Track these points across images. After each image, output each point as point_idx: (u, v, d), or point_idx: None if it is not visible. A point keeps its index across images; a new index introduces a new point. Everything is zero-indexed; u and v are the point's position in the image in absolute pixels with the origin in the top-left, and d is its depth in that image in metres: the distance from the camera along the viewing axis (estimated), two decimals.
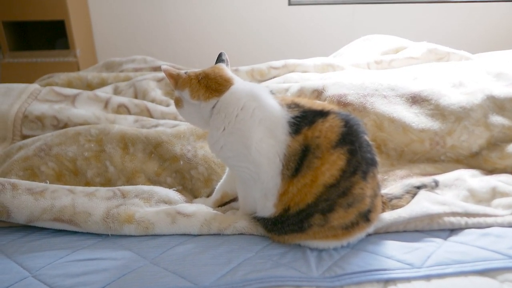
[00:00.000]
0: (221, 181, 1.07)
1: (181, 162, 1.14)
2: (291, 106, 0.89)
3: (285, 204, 0.86)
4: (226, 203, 1.09)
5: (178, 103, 0.96)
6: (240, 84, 0.93)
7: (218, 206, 1.07)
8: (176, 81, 0.95)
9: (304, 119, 0.86)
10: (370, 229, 0.89)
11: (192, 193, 1.13)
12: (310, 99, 1.10)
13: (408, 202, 0.99)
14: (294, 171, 0.84)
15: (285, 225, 0.87)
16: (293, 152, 0.84)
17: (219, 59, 1.02)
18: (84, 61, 2.83)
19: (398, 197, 1.00)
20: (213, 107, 0.90)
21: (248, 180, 0.90)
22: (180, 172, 1.14)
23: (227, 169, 1.06)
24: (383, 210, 0.94)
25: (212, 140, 0.91)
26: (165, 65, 0.93)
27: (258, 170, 0.87)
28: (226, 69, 0.96)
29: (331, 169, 0.82)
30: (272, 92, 0.94)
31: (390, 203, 0.98)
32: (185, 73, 0.95)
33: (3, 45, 2.70)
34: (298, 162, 0.83)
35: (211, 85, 0.92)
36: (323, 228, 0.84)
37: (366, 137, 0.87)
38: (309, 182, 0.83)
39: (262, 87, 0.95)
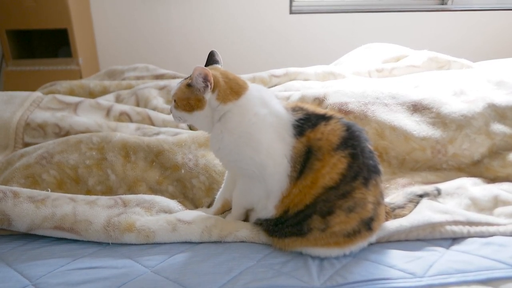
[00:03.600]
0: (221, 189, 1.07)
1: (182, 171, 1.14)
2: (296, 109, 0.91)
3: (286, 206, 0.86)
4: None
5: (200, 105, 0.90)
6: (252, 88, 0.93)
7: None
8: (215, 85, 0.90)
9: (308, 121, 0.87)
10: (372, 238, 0.89)
11: (193, 203, 1.13)
12: (313, 105, 1.11)
13: (411, 211, 0.99)
14: (299, 173, 0.85)
15: (285, 226, 0.87)
16: (299, 154, 0.85)
17: (213, 59, 1.00)
18: (87, 69, 2.84)
19: (400, 207, 1.00)
20: (228, 110, 0.90)
21: (253, 179, 0.90)
22: (181, 181, 1.14)
23: (225, 177, 1.06)
24: (386, 220, 0.94)
25: (221, 144, 0.91)
26: (203, 67, 0.88)
27: (264, 173, 0.88)
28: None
29: (331, 172, 0.82)
30: (276, 97, 0.95)
31: (393, 212, 0.98)
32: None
33: (6, 53, 2.71)
34: (302, 164, 0.85)
35: (233, 87, 0.91)
36: (325, 234, 0.84)
37: (369, 145, 0.88)
38: (309, 183, 0.84)
39: (269, 91, 0.96)
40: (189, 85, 0.90)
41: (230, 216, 1.00)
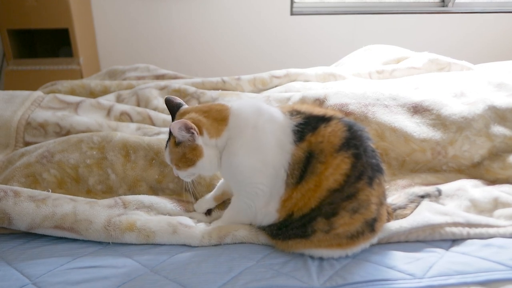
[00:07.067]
0: (221, 180, 1.07)
1: None
2: (293, 113, 0.89)
3: (289, 209, 0.86)
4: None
5: (199, 153, 0.87)
6: (235, 105, 0.92)
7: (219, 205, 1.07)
8: (198, 127, 0.87)
9: (308, 125, 0.86)
10: (374, 239, 0.89)
11: (194, 197, 1.13)
12: (310, 105, 1.11)
13: (412, 211, 0.99)
14: (298, 178, 0.84)
15: (289, 228, 0.87)
16: (297, 160, 0.84)
17: (175, 104, 0.96)
18: (87, 69, 2.84)
19: (402, 207, 1.00)
20: (228, 138, 0.88)
21: (257, 194, 0.89)
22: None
23: None
24: (388, 220, 0.94)
25: (231, 168, 0.89)
26: (179, 120, 0.85)
27: (270, 182, 0.87)
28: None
29: (335, 174, 0.81)
30: (269, 102, 0.94)
31: (394, 213, 0.98)
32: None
33: (7, 52, 2.72)
34: (302, 169, 0.83)
35: (216, 116, 0.89)
36: (328, 236, 0.84)
37: (371, 144, 0.87)
38: (312, 187, 0.83)
39: (259, 99, 0.94)
40: (177, 144, 0.88)
41: (216, 224, 0.99)
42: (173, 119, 0.96)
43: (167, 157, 0.93)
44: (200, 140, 0.87)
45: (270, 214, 0.89)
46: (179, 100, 0.98)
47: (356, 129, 0.86)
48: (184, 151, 0.88)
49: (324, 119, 0.87)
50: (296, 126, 0.86)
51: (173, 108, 0.97)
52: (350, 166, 0.82)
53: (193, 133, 0.86)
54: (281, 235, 0.88)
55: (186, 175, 0.93)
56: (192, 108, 0.94)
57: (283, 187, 0.85)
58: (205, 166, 0.90)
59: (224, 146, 0.89)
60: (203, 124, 0.88)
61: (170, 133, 0.91)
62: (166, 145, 0.92)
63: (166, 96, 0.99)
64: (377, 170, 0.86)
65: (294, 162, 0.84)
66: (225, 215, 0.98)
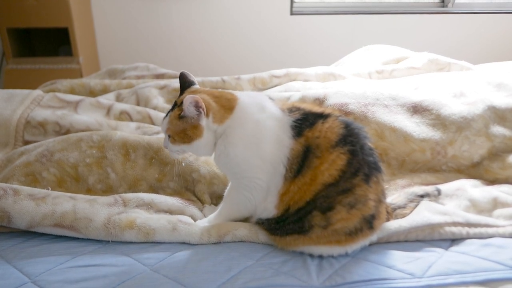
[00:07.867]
0: (228, 188, 1.07)
1: (183, 164, 1.14)
2: (292, 110, 0.91)
3: (286, 204, 0.87)
4: None
5: (199, 133, 0.89)
6: (244, 97, 0.93)
7: None
8: (207, 109, 0.88)
9: (305, 121, 0.88)
10: (373, 237, 0.89)
11: (195, 195, 1.13)
12: (310, 104, 1.11)
13: (412, 211, 0.99)
14: (296, 172, 0.85)
15: (286, 223, 0.87)
16: (296, 155, 0.85)
17: (187, 81, 0.98)
18: (87, 68, 2.84)
19: (401, 207, 1.00)
20: (227, 127, 0.89)
21: (255, 188, 0.90)
22: (181, 175, 1.14)
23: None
24: (387, 220, 0.94)
25: (227, 158, 0.90)
26: (193, 95, 0.86)
27: (267, 178, 0.88)
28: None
29: (330, 169, 0.83)
30: (271, 98, 0.95)
31: (394, 212, 0.98)
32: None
33: (7, 51, 2.72)
34: (300, 164, 0.85)
35: (224, 104, 0.91)
36: (326, 231, 0.84)
37: (369, 142, 0.88)
38: (308, 180, 0.84)
39: (261, 95, 0.96)
40: (181, 117, 0.89)
41: (215, 218, 0.98)
42: (180, 95, 0.97)
43: (164, 126, 0.93)
44: (204, 121, 0.89)
45: (268, 209, 0.90)
46: (193, 78, 0.99)
47: (353, 127, 0.87)
48: (185, 127, 0.89)
49: (322, 116, 0.88)
50: (294, 121, 0.88)
51: (184, 84, 0.98)
52: (346, 162, 0.83)
53: (200, 112, 0.87)
54: (279, 230, 0.89)
55: (176, 150, 0.93)
56: (204, 90, 0.95)
57: (282, 181, 0.87)
58: (200, 147, 0.91)
59: (222, 134, 0.90)
60: (211, 108, 0.89)
61: (175, 105, 0.92)
62: (167, 114, 0.93)
63: (181, 71, 1.00)
64: (375, 168, 0.86)
65: (293, 156, 0.86)
66: (223, 209, 0.98)
